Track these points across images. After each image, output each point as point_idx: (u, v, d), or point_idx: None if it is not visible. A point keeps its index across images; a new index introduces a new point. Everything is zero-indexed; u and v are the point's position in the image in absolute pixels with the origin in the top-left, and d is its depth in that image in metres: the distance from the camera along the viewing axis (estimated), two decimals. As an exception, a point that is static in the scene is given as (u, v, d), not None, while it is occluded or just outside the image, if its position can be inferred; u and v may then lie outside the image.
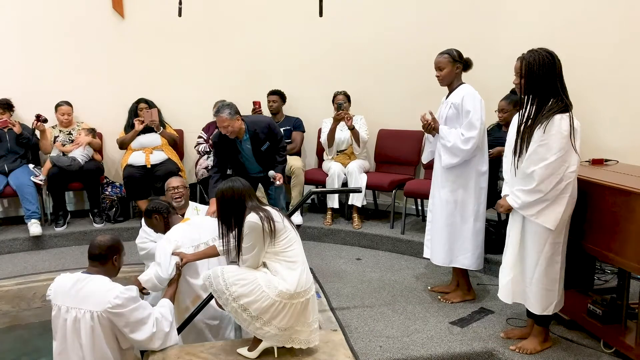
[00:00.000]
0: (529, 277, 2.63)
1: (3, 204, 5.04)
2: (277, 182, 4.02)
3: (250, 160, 4.14)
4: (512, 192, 2.60)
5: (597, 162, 3.30)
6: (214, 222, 3.34)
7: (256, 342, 2.54)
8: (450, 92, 3.24)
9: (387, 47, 4.94)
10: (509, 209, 2.64)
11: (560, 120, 2.43)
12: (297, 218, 4.72)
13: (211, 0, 5.18)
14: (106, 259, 2.55)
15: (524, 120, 2.54)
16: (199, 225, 3.18)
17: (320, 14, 3.96)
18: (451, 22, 4.62)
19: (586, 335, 2.84)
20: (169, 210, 3.19)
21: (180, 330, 2.87)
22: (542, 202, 2.49)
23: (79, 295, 2.43)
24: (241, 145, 4.07)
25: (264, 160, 4.13)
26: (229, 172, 4.28)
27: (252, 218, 2.41)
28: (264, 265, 2.51)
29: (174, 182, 3.67)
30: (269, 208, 2.51)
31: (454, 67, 3.16)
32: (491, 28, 4.46)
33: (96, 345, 2.43)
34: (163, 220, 3.16)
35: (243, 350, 2.58)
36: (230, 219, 2.49)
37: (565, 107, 2.46)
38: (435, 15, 4.71)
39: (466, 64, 3.20)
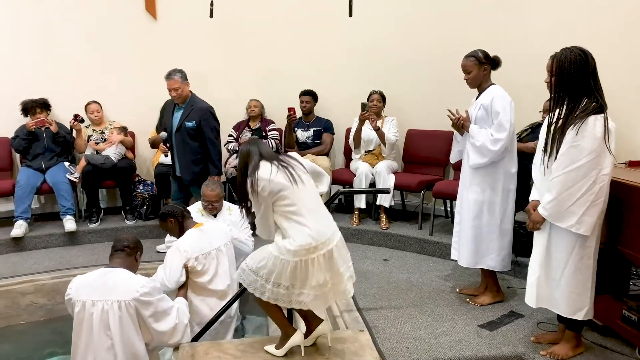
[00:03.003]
0: (555, 280, 2.56)
1: (40, 200, 5.20)
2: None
3: (174, 135, 4.15)
4: (543, 206, 2.52)
5: (635, 164, 3.21)
6: (226, 228, 3.41)
7: (283, 340, 2.56)
8: (480, 93, 3.21)
9: (416, 47, 4.90)
10: (542, 221, 2.55)
11: (594, 122, 2.36)
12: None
13: (241, 2, 5.23)
14: (131, 251, 2.68)
15: (555, 119, 2.48)
16: (210, 231, 3.24)
17: (350, 14, 3.96)
18: (481, 21, 4.55)
19: (620, 342, 2.77)
20: (183, 215, 3.25)
21: (202, 334, 2.94)
22: (577, 210, 2.40)
23: (105, 287, 2.49)
24: (175, 112, 4.14)
25: (182, 145, 4.10)
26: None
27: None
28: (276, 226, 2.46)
29: (209, 195, 3.66)
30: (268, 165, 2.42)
31: (480, 69, 3.13)
32: (521, 27, 4.36)
33: (125, 336, 2.49)
34: (178, 224, 3.23)
35: (270, 348, 2.60)
36: (245, 181, 2.46)
37: (600, 107, 2.39)
38: (464, 15, 4.65)
39: (494, 63, 3.16)
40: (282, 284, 2.37)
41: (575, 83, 2.40)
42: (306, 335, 2.59)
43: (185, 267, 3.03)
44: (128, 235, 2.77)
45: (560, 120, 2.44)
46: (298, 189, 2.42)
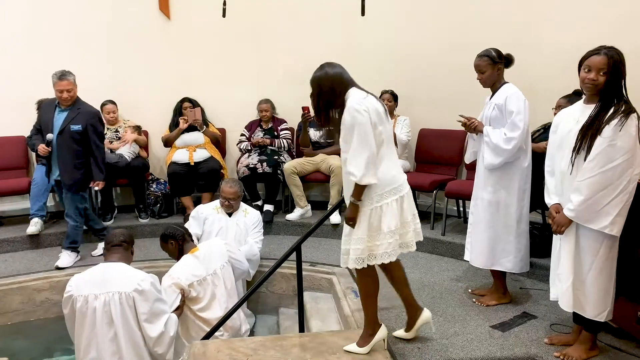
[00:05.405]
0: (581, 282, 2.53)
1: (55, 198, 5.24)
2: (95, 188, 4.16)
3: (55, 138, 3.99)
4: (571, 208, 2.44)
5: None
6: (223, 248, 3.39)
7: (368, 337, 2.58)
8: (493, 93, 3.18)
9: (429, 46, 4.88)
10: (568, 224, 2.49)
11: (631, 121, 2.33)
12: (335, 217, 4.73)
13: (254, 2, 5.25)
14: (128, 245, 2.75)
15: (588, 120, 2.41)
16: (206, 256, 3.24)
17: (363, 13, 3.96)
18: (494, 21, 4.51)
19: (636, 344, 2.73)
20: (184, 237, 3.30)
21: (211, 333, 2.97)
22: (612, 210, 2.36)
23: (105, 281, 2.57)
24: (56, 115, 4.02)
25: (65, 148, 3.97)
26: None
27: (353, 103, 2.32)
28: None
29: (227, 191, 3.68)
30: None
31: (494, 68, 3.09)
32: (535, 27, 4.33)
33: (127, 325, 2.56)
34: (178, 247, 3.28)
35: (352, 347, 2.60)
36: (331, 105, 2.39)
37: (631, 108, 2.37)
38: (478, 15, 4.62)
39: (508, 61, 3.12)
40: (361, 237, 2.35)
41: (621, 83, 2.38)
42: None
43: (182, 292, 3.04)
44: (121, 229, 2.84)
45: (596, 121, 2.39)
46: (389, 125, 2.42)
